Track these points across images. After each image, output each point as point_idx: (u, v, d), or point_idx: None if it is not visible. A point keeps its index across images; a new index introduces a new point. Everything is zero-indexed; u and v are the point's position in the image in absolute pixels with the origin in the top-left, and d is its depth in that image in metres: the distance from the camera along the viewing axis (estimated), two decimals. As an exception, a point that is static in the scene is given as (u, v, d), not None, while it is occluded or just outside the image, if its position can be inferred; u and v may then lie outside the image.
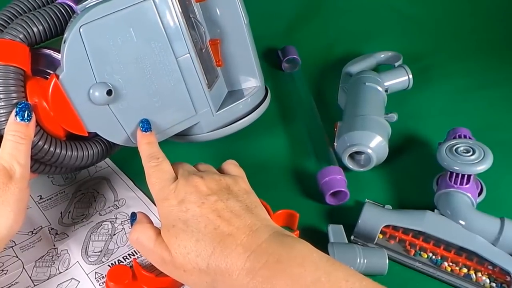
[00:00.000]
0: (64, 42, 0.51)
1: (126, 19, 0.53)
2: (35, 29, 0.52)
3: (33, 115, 0.50)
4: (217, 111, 0.63)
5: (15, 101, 0.51)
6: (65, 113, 0.53)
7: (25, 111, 0.50)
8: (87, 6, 0.52)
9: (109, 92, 0.53)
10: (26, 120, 0.49)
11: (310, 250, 0.43)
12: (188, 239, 0.45)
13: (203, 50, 0.62)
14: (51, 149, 0.53)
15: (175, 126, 0.60)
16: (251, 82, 0.67)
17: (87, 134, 0.55)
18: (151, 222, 0.51)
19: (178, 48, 0.56)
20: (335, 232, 0.57)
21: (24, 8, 0.54)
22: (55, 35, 0.54)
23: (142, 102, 0.56)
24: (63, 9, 0.54)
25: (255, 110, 0.66)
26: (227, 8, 0.63)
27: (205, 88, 0.60)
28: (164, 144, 0.57)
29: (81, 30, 0.51)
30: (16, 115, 0.49)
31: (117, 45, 0.53)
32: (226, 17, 0.64)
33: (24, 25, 0.52)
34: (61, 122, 0.53)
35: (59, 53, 0.52)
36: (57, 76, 0.51)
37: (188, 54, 0.57)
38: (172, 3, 0.55)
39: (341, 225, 0.57)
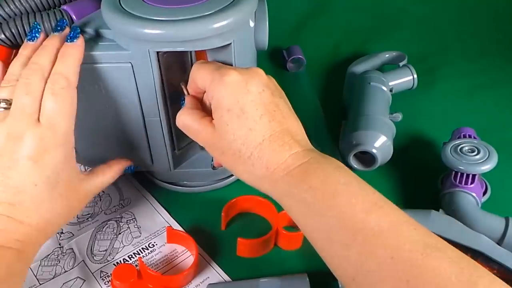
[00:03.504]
0: None
1: (98, 74, 0.50)
2: (25, 30, 0.51)
3: None
4: (177, 169, 0.60)
5: None
6: None
7: None
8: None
9: None
10: None
11: (348, 170, 0.44)
12: (240, 127, 0.43)
13: None
14: None
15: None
16: None
17: None
18: (199, 108, 0.48)
19: (149, 110, 0.53)
20: None
21: (27, 9, 0.54)
22: None
23: (99, 141, 0.55)
24: (62, 17, 0.53)
25: (217, 182, 0.63)
26: None
27: (169, 149, 0.57)
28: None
29: None
30: None
31: (82, 91, 0.50)
32: None
33: (12, 28, 0.51)
34: None
35: None
36: None
37: (158, 118, 0.53)
38: (152, 70, 0.50)
39: None
